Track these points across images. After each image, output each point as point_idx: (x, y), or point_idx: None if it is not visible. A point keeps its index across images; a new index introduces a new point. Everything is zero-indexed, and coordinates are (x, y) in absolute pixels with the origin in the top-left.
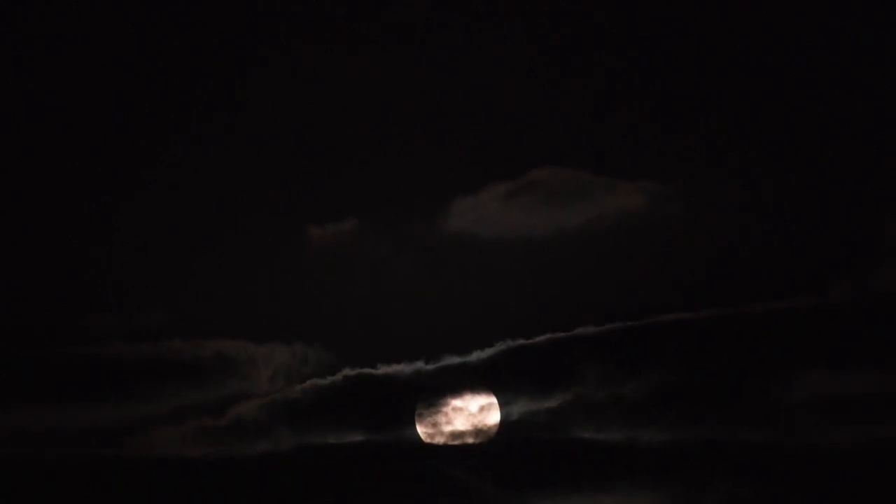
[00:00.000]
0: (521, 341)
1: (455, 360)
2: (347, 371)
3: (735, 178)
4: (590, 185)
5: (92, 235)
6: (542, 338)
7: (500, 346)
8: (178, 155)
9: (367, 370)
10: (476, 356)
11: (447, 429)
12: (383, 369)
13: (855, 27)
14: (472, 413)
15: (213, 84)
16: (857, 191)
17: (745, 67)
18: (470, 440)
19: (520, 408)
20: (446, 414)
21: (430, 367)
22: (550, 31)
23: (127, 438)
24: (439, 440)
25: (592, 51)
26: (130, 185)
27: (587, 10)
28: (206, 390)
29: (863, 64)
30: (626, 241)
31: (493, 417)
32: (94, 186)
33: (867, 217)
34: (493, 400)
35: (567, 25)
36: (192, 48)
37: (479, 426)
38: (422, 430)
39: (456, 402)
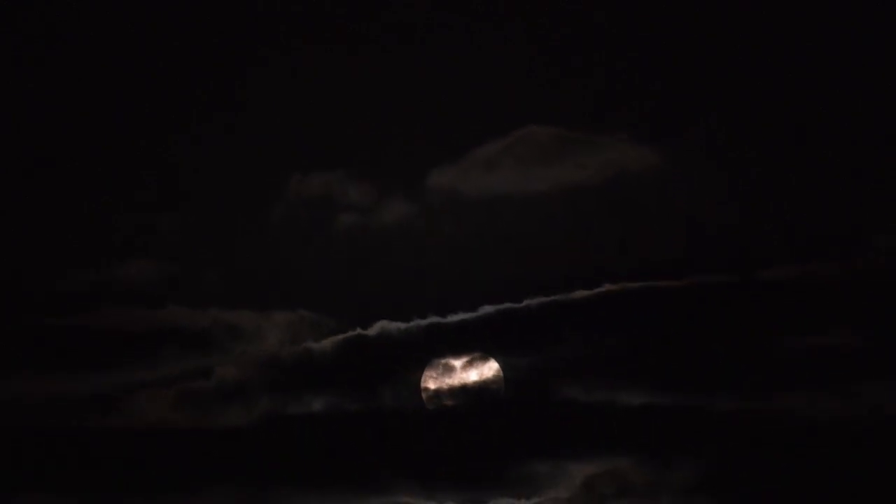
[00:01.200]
0: (508, 304)
1: (440, 320)
2: (340, 334)
3: (729, 147)
4: (577, 144)
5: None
6: (528, 301)
7: (485, 309)
8: (179, 155)
9: (357, 332)
10: (460, 318)
11: (435, 390)
12: (374, 330)
13: (846, 14)
14: (459, 374)
15: (213, 84)
16: (846, 173)
17: (744, 53)
18: (456, 401)
19: (503, 370)
20: (433, 376)
21: (420, 327)
22: (550, 31)
23: (117, 405)
24: (427, 403)
25: (592, 51)
26: (128, 180)
27: (587, 10)
28: (207, 358)
29: (853, 45)
30: (614, 203)
31: (474, 377)
32: (93, 178)
33: (853, 196)
34: (481, 361)
35: (567, 25)
36: (192, 48)
37: (467, 387)
38: (409, 392)
39: (442, 363)
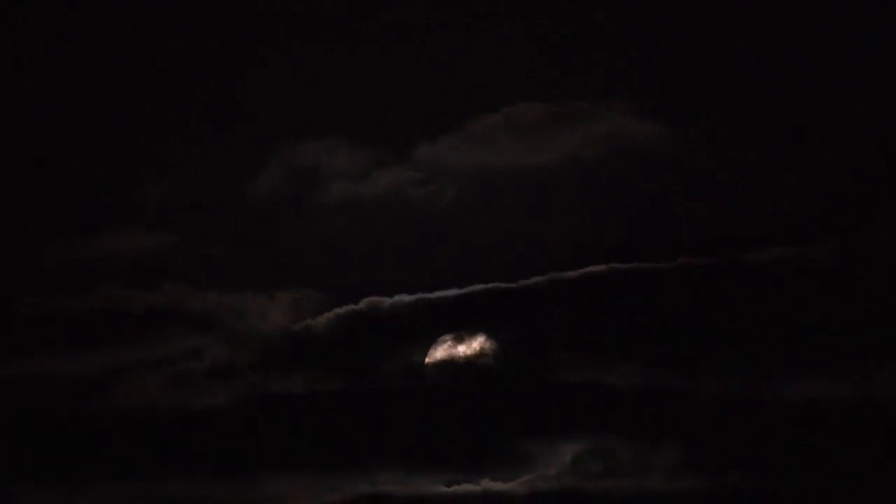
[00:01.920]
0: (498, 284)
1: (428, 296)
2: (331, 309)
3: (723, 132)
4: (571, 120)
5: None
6: (518, 279)
7: (474, 286)
8: (179, 155)
9: (350, 308)
10: (448, 294)
11: (423, 367)
12: (362, 306)
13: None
14: (448, 350)
15: (213, 84)
16: (839, 158)
17: (743, 46)
18: (444, 378)
19: (493, 347)
20: (421, 352)
21: (408, 303)
22: (550, 31)
23: (113, 386)
24: (415, 379)
25: (592, 51)
26: (128, 179)
27: (587, 10)
28: (202, 338)
29: (859, 25)
30: (607, 181)
31: (463, 353)
32: (90, 162)
33: (845, 180)
34: (469, 337)
35: (567, 25)
36: (192, 48)
37: (455, 363)
38: (398, 368)
39: (430, 340)
